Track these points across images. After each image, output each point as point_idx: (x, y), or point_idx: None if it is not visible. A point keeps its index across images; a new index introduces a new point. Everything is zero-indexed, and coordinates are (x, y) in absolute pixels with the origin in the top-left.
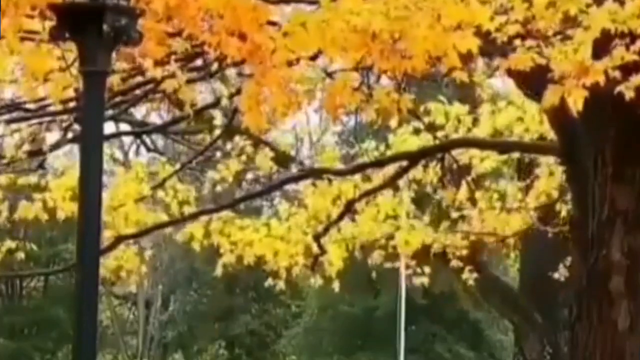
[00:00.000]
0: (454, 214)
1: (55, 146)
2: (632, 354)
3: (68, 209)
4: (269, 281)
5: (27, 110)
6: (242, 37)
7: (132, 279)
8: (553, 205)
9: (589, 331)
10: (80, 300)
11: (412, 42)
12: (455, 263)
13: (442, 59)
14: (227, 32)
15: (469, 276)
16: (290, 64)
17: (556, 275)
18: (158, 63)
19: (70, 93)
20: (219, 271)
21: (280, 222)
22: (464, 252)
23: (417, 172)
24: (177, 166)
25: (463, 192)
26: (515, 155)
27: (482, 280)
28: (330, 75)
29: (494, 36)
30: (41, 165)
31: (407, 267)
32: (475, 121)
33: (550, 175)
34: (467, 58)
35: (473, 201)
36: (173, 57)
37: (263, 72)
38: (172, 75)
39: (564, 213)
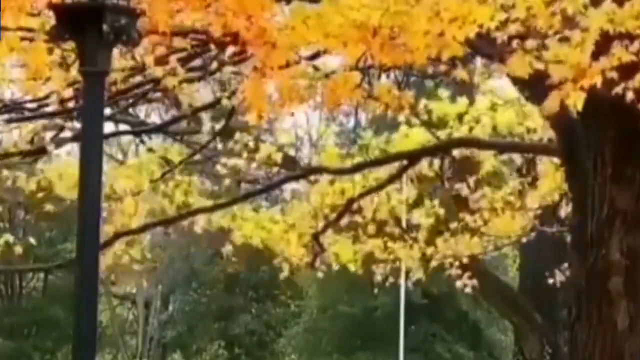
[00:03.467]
0: (455, 223)
1: (55, 145)
2: (632, 354)
3: (64, 190)
4: (278, 260)
5: (26, 109)
6: (248, 20)
7: (132, 279)
8: (553, 205)
9: (588, 331)
10: (80, 299)
11: (412, 36)
12: (454, 271)
13: (443, 51)
14: (233, 14)
15: (468, 283)
16: (290, 63)
17: (552, 281)
18: (158, 62)
19: (70, 92)
20: (227, 249)
21: (283, 217)
22: (464, 260)
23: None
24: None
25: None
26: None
27: (482, 280)
28: (330, 74)
29: (494, 36)
30: (35, 160)
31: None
32: (477, 121)
33: (551, 175)
34: (466, 58)
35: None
36: (173, 55)
37: (267, 54)
38: (172, 74)
39: (563, 213)
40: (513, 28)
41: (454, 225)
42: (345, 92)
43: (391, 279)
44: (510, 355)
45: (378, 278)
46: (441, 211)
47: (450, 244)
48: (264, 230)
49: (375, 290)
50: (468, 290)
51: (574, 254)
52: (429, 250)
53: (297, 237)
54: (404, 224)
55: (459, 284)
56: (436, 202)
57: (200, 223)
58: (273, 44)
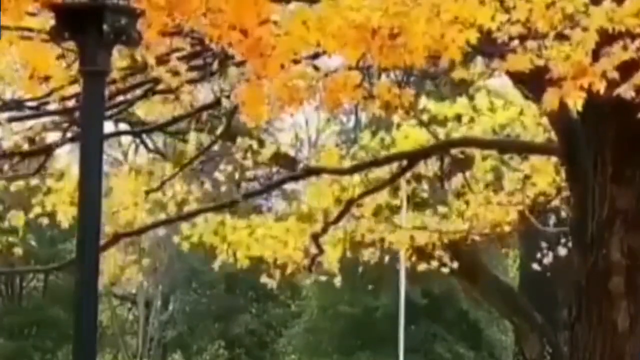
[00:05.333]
0: (448, 207)
1: (56, 145)
2: (632, 354)
3: (69, 212)
4: (265, 279)
5: (28, 108)
6: (243, 32)
7: (132, 279)
8: (550, 202)
9: (588, 331)
10: (80, 300)
11: (411, 37)
12: (437, 253)
13: (442, 53)
14: (229, 26)
15: (448, 262)
16: (292, 61)
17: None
18: (159, 61)
19: (71, 91)
20: (216, 266)
21: (277, 221)
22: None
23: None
24: (178, 166)
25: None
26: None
27: (482, 280)
28: (330, 73)
29: (495, 36)
30: (40, 169)
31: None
32: (474, 119)
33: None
34: (466, 57)
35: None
36: (173, 55)
37: (264, 64)
38: (173, 73)
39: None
40: (514, 29)
41: (441, 209)
42: (346, 92)
43: (389, 276)
44: (511, 355)
45: (365, 258)
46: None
47: (437, 224)
48: (257, 239)
49: (374, 289)
50: (446, 270)
51: (574, 253)
52: (416, 233)
53: (294, 239)
54: (403, 221)
55: (435, 263)
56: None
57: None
58: (269, 55)
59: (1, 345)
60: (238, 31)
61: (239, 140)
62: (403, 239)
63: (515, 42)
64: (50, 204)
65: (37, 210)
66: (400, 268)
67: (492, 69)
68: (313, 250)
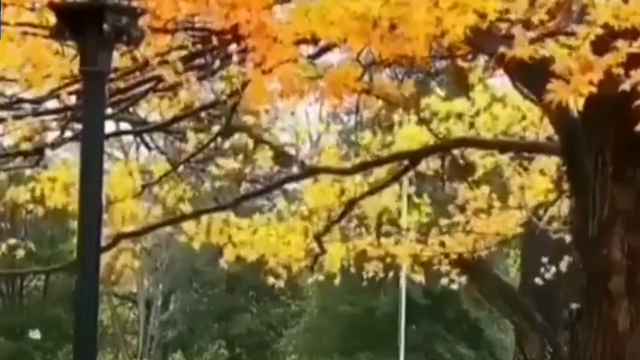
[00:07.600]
0: (454, 217)
1: (55, 145)
2: (633, 354)
3: (59, 200)
4: (271, 279)
5: (29, 102)
6: (248, 12)
7: (133, 278)
8: (552, 204)
9: (589, 331)
10: (81, 300)
11: (412, 26)
12: (443, 268)
13: (444, 37)
14: (234, 7)
15: (456, 279)
16: (291, 60)
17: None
18: (160, 58)
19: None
20: (222, 264)
21: (279, 222)
22: (460, 255)
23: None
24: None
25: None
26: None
27: (483, 280)
28: (331, 67)
29: (495, 31)
30: (37, 163)
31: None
32: (471, 123)
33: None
34: (467, 56)
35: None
36: (174, 53)
37: (269, 47)
38: (175, 72)
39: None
40: (514, 18)
41: (445, 222)
42: (347, 85)
43: (390, 276)
44: (511, 354)
45: (370, 274)
46: (429, 209)
47: (443, 240)
48: (261, 238)
49: (374, 289)
50: (455, 287)
51: (574, 254)
52: (420, 248)
53: (297, 239)
54: (404, 223)
55: (445, 280)
56: (426, 199)
57: (197, 242)
58: (274, 38)
59: (1, 345)
60: (244, 10)
61: (237, 136)
62: (406, 252)
63: (516, 38)
64: (39, 189)
65: (27, 196)
66: (398, 266)
67: (493, 66)
68: (316, 249)
